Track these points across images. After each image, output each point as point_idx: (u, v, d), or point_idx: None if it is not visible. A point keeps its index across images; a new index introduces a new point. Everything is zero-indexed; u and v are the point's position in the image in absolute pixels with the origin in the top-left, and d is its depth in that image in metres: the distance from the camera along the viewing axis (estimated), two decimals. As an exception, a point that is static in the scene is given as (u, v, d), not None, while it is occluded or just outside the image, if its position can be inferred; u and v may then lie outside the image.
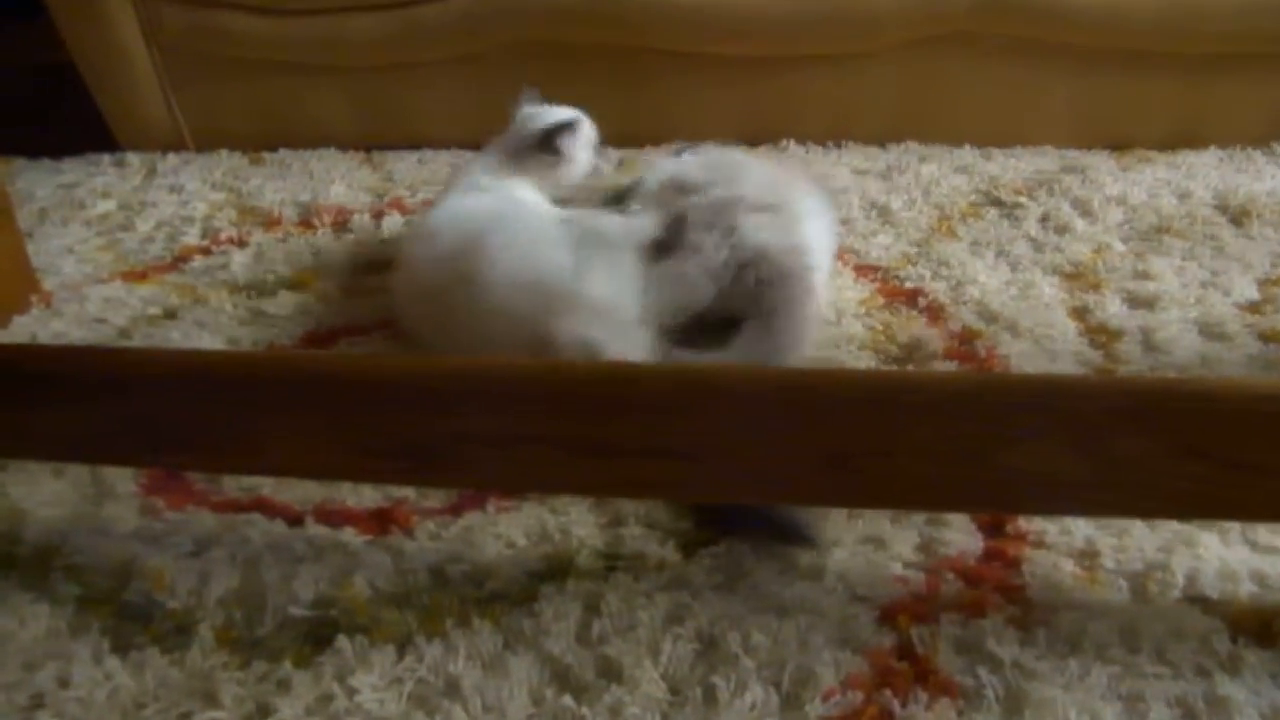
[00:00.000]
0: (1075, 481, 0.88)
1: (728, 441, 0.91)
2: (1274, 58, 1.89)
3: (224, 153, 2.22)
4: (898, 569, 0.99)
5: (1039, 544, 1.01)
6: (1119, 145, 1.97)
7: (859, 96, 2.03)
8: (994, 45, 1.93)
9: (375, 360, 1.05)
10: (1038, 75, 1.96)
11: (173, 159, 2.21)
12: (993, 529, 1.03)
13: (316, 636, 0.95)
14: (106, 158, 2.22)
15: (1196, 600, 0.94)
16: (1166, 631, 0.90)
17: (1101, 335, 1.35)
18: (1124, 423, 0.85)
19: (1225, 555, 0.98)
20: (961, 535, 1.02)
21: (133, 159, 2.21)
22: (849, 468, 0.89)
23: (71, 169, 2.19)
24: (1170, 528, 1.01)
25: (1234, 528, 1.01)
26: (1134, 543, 1.00)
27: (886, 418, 0.87)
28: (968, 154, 1.97)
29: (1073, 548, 1.01)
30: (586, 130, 1.54)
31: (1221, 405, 0.84)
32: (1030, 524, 1.04)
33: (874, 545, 1.01)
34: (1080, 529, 1.02)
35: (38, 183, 2.12)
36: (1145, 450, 0.85)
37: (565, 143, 1.48)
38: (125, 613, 0.99)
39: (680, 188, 1.38)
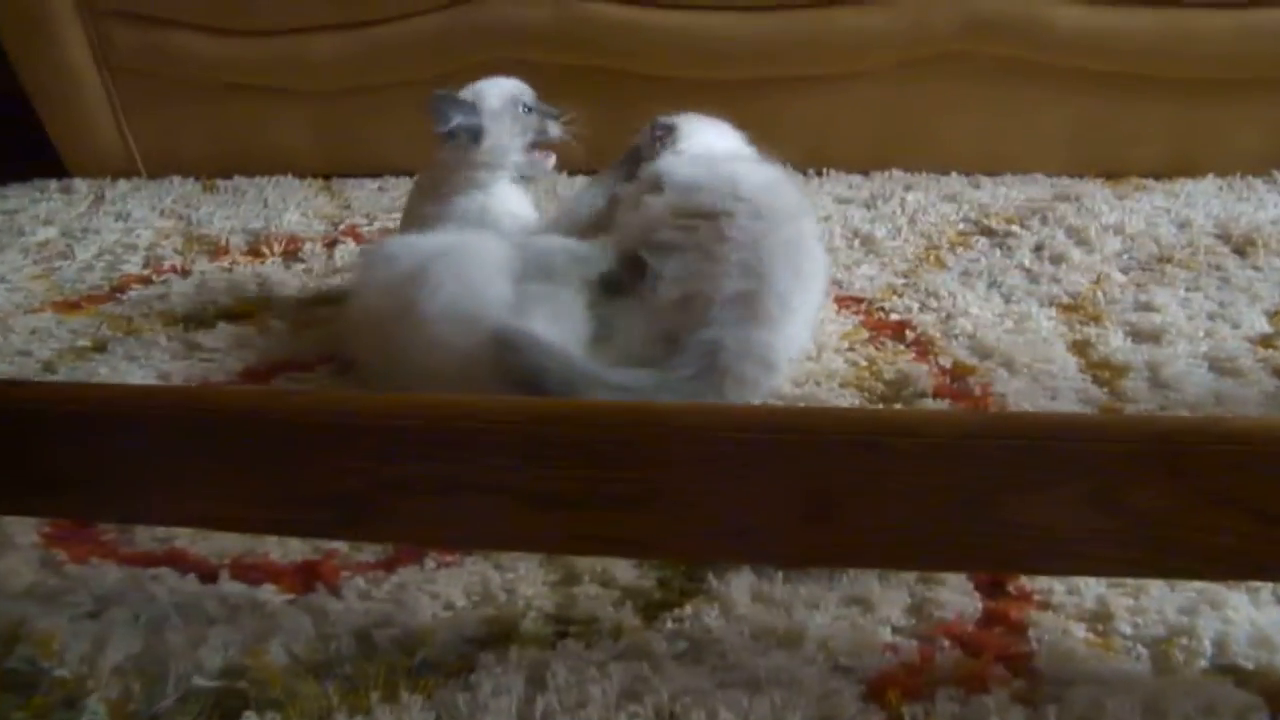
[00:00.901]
0: (1088, 536, 0.77)
1: (694, 491, 0.80)
2: (1273, 82, 1.81)
3: (176, 179, 2.13)
4: (886, 635, 0.87)
5: (1045, 605, 0.90)
6: (1113, 173, 1.88)
7: (841, 121, 1.94)
8: (983, 67, 1.85)
9: (302, 397, 0.94)
10: (1028, 99, 1.88)
11: (123, 185, 2.12)
12: (992, 589, 0.92)
13: (223, 710, 0.83)
14: (53, 184, 2.14)
15: (1228, 670, 0.82)
16: (1196, 709, 0.78)
17: (1105, 371, 1.25)
18: (1143, 469, 0.75)
19: (1257, 618, 0.87)
20: (958, 596, 0.91)
21: (80, 185, 2.12)
22: (832, 520, 0.78)
23: (15, 195, 2.10)
24: (1192, 586, 0.90)
25: (1265, 586, 0.90)
26: (1152, 604, 0.89)
27: (874, 463, 0.76)
28: (955, 182, 1.88)
29: (1083, 609, 0.89)
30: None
31: (1254, 449, 0.73)
32: (1034, 582, 0.92)
33: (860, 608, 0.90)
34: (1090, 588, 0.91)
35: (-21, 209, 2.02)
36: (1168, 501, 0.75)
37: None
38: (7, 683, 0.87)
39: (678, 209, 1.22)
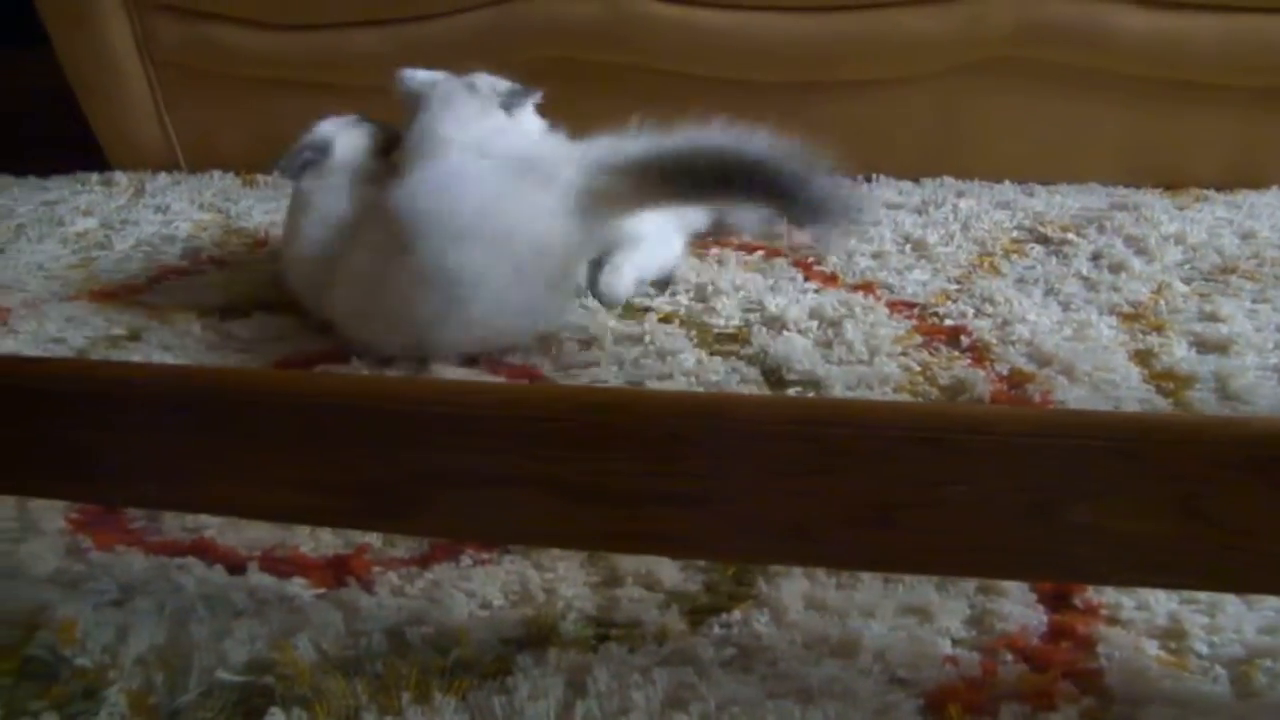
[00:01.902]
0: (1166, 546, 0.72)
1: (744, 487, 0.75)
2: (1342, 93, 1.75)
3: (216, 173, 2.11)
4: (946, 647, 0.82)
5: (1114, 620, 0.85)
6: (1172, 183, 1.82)
7: (892, 127, 1.89)
8: (1038, 73, 1.80)
9: (333, 380, 0.90)
10: (1085, 107, 1.82)
11: (163, 179, 2.10)
12: (1057, 601, 0.87)
13: (248, 707, 0.79)
14: (94, 176, 2.13)
15: (1314, 696, 0.77)
16: (1282, 735, 0.73)
17: (1169, 381, 1.20)
18: (1229, 476, 0.70)
19: (1344, 641, 0.81)
20: (1020, 608, 0.86)
21: (121, 178, 2.11)
22: (891, 523, 0.74)
23: (56, 186, 2.09)
24: (1271, 604, 0.85)
25: (1352, 606, 0.84)
26: (1229, 622, 0.83)
27: (939, 462, 0.72)
28: (1008, 189, 1.83)
29: (1154, 626, 0.84)
30: None
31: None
32: (1101, 595, 0.87)
33: (917, 617, 0.85)
34: (1161, 603, 0.86)
35: (21, 200, 2.03)
36: (1255, 510, 0.70)
37: None
38: (27, 671, 0.83)
39: None
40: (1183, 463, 0.70)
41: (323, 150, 1.25)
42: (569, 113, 1.64)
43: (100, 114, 2.15)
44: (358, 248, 1.25)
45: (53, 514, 1.03)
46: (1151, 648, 0.82)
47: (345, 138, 1.30)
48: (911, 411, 0.81)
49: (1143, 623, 0.84)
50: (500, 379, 1.21)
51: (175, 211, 1.90)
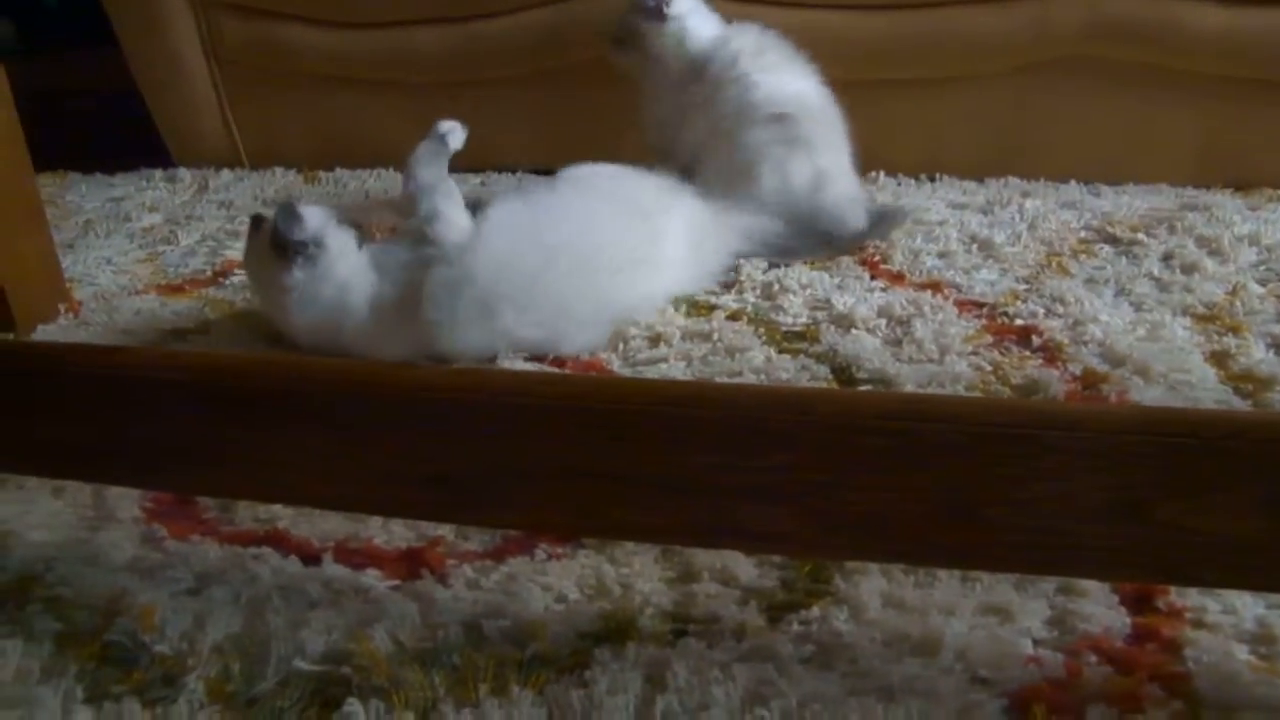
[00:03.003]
0: (1258, 547, 0.71)
1: (825, 482, 0.74)
2: None
3: (278, 170, 2.13)
4: (1028, 647, 0.81)
5: (1199, 624, 0.83)
6: (1243, 184, 1.78)
7: (956, 126, 1.88)
8: (1105, 72, 1.78)
9: (407, 371, 0.90)
10: (1153, 106, 1.79)
11: (226, 175, 2.13)
12: (1139, 602, 0.85)
13: (325, 697, 0.79)
14: (159, 173, 2.16)
15: None
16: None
17: (1248, 383, 1.17)
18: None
19: None
20: (1102, 609, 0.85)
21: (185, 174, 2.14)
22: (977, 519, 0.73)
23: (123, 183, 2.13)
24: (1363, 610, 0.83)
25: None
26: (1321, 627, 0.82)
27: (1026, 459, 0.71)
28: (1074, 190, 1.81)
29: (1242, 630, 0.82)
30: None
31: None
32: (1185, 599, 0.85)
33: (999, 617, 0.84)
34: (1249, 607, 0.84)
35: (88, 196, 2.06)
36: (1356, 512, 0.68)
37: None
38: (108, 655, 0.84)
39: None
40: (1275, 462, 0.69)
41: (319, 245, 1.26)
42: (629, 117, 1.65)
43: (166, 112, 2.18)
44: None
45: (128, 503, 1.04)
46: (1241, 652, 0.80)
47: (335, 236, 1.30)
48: (1002, 408, 0.79)
49: (1230, 627, 0.83)
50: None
51: (239, 208, 1.92)
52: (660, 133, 1.66)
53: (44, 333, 1.45)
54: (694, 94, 1.59)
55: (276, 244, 1.24)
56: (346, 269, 1.27)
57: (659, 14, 1.59)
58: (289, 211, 1.25)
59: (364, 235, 1.32)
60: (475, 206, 1.32)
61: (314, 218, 1.27)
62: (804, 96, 1.57)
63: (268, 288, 1.31)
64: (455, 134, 1.31)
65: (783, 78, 1.56)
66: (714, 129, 1.57)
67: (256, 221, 1.32)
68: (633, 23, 1.62)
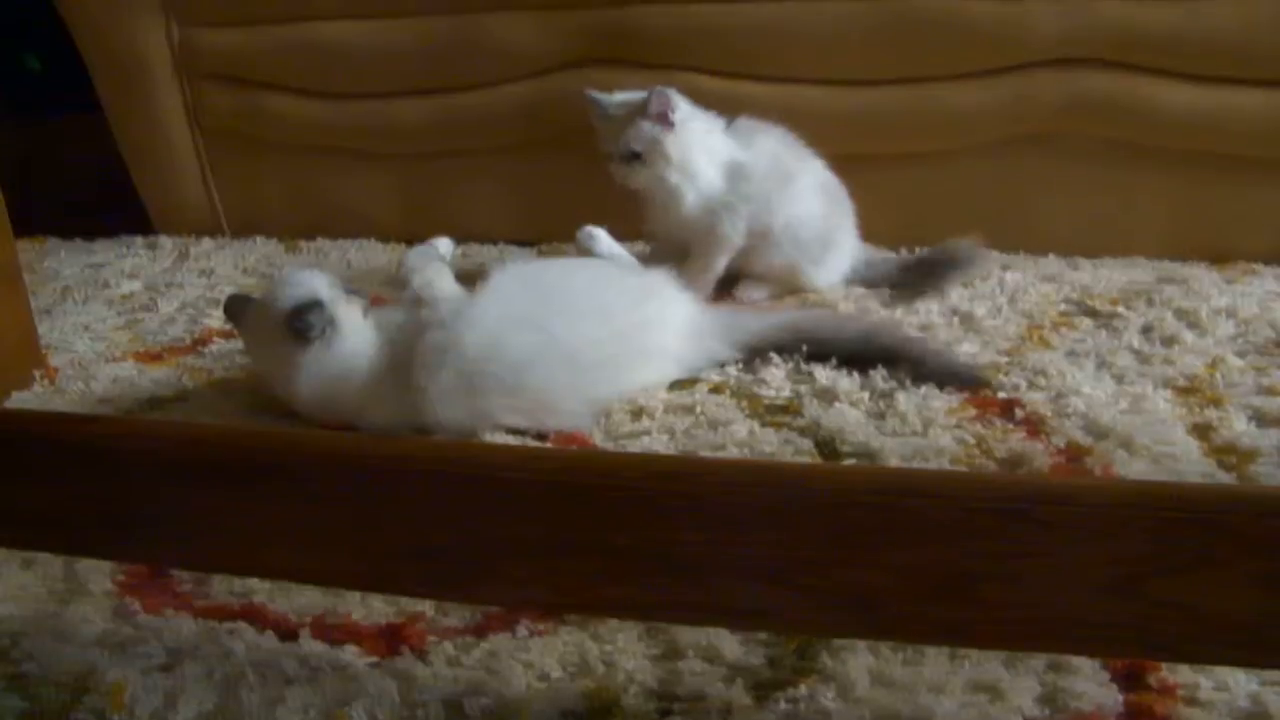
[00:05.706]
0: (1253, 623, 0.70)
1: (814, 558, 0.73)
2: (1391, 167, 1.73)
3: (259, 239, 2.13)
4: (1020, 726, 0.80)
5: (1192, 701, 0.82)
6: (1218, 257, 1.80)
7: (937, 199, 1.89)
8: (1083, 147, 1.80)
9: (388, 443, 0.89)
10: (1130, 180, 1.81)
11: (207, 243, 2.13)
12: (1130, 679, 0.84)
13: (301, 779, 0.77)
14: (139, 240, 2.16)
15: None
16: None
17: (1230, 455, 1.17)
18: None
19: None
20: (1093, 686, 0.84)
21: (165, 242, 2.14)
22: (969, 595, 0.72)
23: (102, 250, 2.12)
24: (1357, 689, 0.82)
25: None
26: (1314, 706, 0.81)
27: (1019, 534, 0.70)
28: (1053, 263, 1.82)
29: (1235, 709, 0.81)
30: None
31: None
32: (1176, 675, 0.84)
33: (989, 695, 0.83)
34: (1241, 684, 0.83)
35: (67, 262, 2.06)
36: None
37: None
38: (74, 736, 0.82)
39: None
40: (1270, 537, 0.68)
41: (333, 325, 1.27)
42: (610, 190, 1.66)
43: (148, 179, 2.18)
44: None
45: (100, 575, 1.02)
46: (1234, 732, 0.79)
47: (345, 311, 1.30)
48: (993, 482, 0.79)
49: (1223, 704, 0.82)
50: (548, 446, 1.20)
51: (219, 275, 1.92)
52: (668, 237, 1.70)
53: (19, 400, 1.44)
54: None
55: (295, 329, 1.24)
56: (354, 340, 1.28)
57: (665, 120, 1.59)
58: (310, 304, 1.26)
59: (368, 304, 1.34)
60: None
61: (323, 290, 1.28)
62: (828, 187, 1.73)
63: (274, 362, 1.32)
64: (444, 244, 1.41)
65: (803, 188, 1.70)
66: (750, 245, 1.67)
67: (241, 301, 1.33)
68: (646, 133, 1.60)
